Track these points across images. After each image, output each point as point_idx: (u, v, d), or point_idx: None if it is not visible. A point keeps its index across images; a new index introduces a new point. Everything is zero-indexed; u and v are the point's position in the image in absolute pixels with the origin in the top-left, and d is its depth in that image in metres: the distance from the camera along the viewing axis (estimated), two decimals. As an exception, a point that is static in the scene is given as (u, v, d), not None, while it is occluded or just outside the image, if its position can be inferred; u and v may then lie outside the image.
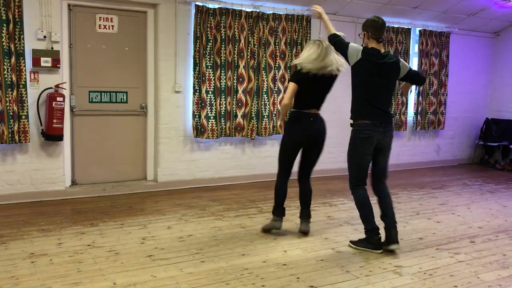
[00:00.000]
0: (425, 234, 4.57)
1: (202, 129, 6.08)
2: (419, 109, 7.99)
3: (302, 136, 4.22)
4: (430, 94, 8.07)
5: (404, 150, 8.09)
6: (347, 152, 4.11)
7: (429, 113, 8.10)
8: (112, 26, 5.69)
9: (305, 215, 4.40)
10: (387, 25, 7.30)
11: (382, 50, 3.98)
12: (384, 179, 4.10)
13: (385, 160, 4.09)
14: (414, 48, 7.89)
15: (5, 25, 4.90)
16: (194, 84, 6.03)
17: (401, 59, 4.11)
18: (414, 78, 4.21)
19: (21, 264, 3.55)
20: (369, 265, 3.73)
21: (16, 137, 5.07)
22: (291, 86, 4.12)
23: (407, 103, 7.82)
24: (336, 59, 4.13)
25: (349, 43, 4.00)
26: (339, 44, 4.03)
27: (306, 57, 4.08)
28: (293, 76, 4.34)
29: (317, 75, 4.07)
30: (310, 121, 4.21)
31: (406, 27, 7.60)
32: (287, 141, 4.28)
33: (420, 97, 7.96)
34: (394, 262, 3.81)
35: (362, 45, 4.02)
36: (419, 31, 7.81)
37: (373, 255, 3.94)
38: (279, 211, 4.39)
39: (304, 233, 4.36)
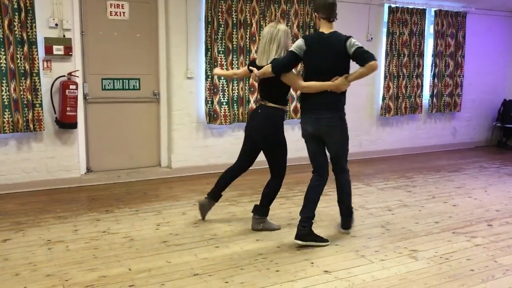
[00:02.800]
0: (441, 217, 4.52)
1: (215, 115, 6.07)
2: (435, 91, 7.86)
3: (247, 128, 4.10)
4: (446, 76, 7.92)
5: (419, 133, 7.99)
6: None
7: (445, 95, 7.97)
8: (124, 12, 5.66)
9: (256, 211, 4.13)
10: (401, 6, 7.26)
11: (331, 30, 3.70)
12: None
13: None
14: (429, 29, 7.74)
15: (17, 13, 4.91)
16: (206, 69, 6.00)
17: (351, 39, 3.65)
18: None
19: (39, 250, 3.60)
20: (384, 250, 3.70)
21: (31, 126, 5.12)
22: None
23: (422, 86, 7.70)
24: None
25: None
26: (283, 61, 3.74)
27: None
28: None
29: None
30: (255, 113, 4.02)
31: (421, 7, 7.44)
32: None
33: (435, 79, 7.83)
34: (410, 247, 3.77)
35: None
36: (435, 11, 7.64)
37: (388, 240, 3.91)
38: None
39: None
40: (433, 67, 7.78)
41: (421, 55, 7.59)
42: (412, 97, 7.62)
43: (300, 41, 3.74)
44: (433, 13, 7.67)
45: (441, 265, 3.45)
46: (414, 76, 7.57)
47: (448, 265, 3.45)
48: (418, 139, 7.99)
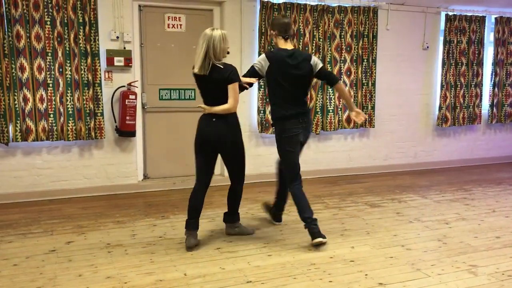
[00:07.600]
0: (502, 232, 4.34)
1: (267, 124, 6.12)
2: (495, 101, 7.56)
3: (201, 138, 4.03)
4: (507, 85, 7.60)
5: (478, 144, 7.70)
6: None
7: (506, 105, 7.64)
8: (180, 25, 5.85)
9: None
10: (459, 13, 7.06)
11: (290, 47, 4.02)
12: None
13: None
14: (489, 37, 7.47)
15: (82, 27, 5.18)
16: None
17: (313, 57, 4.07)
18: (325, 78, 4.14)
19: (99, 253, 3.76)
20: (441, 264, 3.60)
21: (93, 134, 5.36)
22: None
23: (481, 95, 7.43)
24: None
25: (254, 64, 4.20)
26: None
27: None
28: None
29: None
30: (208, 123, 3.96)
31: (481, 15, 7.21)
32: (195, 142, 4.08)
33: (496, 88, 7.53)
34: (469, 261, 3.64)
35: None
36: (495, 18, 7.38)
37: (446, 254, 3.79)
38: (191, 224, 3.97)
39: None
40: (493, 76, 7.49)
41: (480, 63, 7.33)
42: (471, 107, 7.37)
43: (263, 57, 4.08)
44: (493, 20, 7.40)
45: (503, 282, 3.31)
46: (472, 86, 7.32)
47: (511, 282, 3.30)
48: (477, 150, 7.70)
